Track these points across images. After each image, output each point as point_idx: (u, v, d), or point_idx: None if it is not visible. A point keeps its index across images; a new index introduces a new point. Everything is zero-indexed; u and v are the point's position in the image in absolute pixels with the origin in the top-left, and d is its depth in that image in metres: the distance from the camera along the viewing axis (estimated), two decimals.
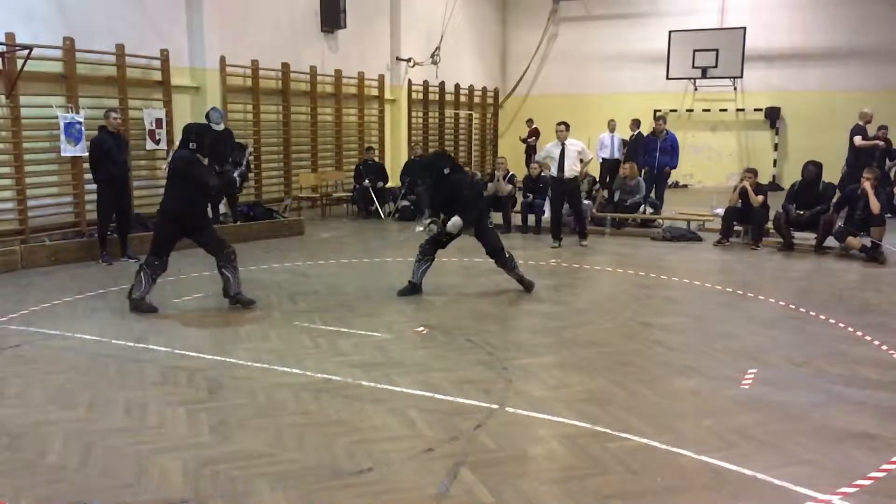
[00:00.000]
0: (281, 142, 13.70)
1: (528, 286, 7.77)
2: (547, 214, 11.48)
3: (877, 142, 13.53)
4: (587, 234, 10.97)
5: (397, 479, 3.70)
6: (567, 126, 10.66)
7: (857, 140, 13.59)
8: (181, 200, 6.89)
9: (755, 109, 19.09)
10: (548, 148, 10.79)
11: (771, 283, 8.53)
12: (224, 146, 11.02)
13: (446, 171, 7.62)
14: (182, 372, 5.27)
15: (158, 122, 11.08)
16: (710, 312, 7.10)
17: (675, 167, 13.48)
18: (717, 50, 18.25)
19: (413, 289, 7.67)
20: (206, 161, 6.99)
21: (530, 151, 19.02)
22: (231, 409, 4.59)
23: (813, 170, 10.27)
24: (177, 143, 11.44)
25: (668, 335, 6.26)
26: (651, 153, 13.08)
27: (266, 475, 3.72)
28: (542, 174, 12.51)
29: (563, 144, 10.52)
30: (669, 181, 19.18)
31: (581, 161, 10.71)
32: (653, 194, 12.93)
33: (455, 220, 7.49)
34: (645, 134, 14.04)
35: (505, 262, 7.74)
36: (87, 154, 9.85)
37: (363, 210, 13.95)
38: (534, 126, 19.55)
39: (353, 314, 6.89)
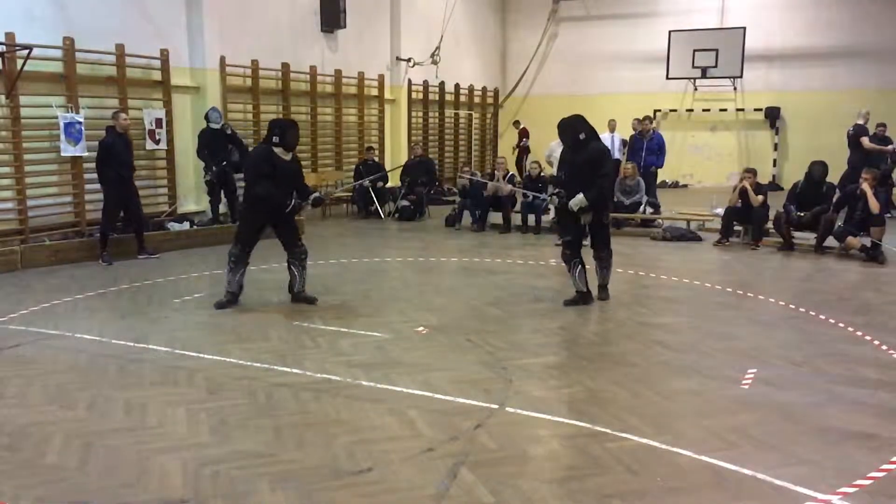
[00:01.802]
0: None
1: (603, 295, 7.42)
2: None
3: (887, 148, 13.60)
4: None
5: (397, 479, 3.70)
6: None
7: (866, 142, 13.63)
8: (271, 189, 6.87)
9: (755, 109, 19.09)
10: (552, 146, 10.78)
11: (771, 283, 8.53)
12: (223, 144, 11.05)
13: (581, 136, 6.97)
14: (182, 372, 5.27)
15: (158, 122, 11.07)
16: (710, 312, 7.10)
17: (661, 166, 13.68)
18: (716, 50, 18.24)
19: (583, 298, 7.26)
20: (288, 156, 6.94)
21: (523, 153, 19.02)
22: (231, 409, 4.59)
23: (821, 170, 10.22)
24: (178, 140, 11.54)
25: (668, 335, 6.25)
26: (637, 153, 13.22)
27: (266, 475, 3.72)
28: (542, 174, 12.53)
29: None
30: (668, 181, 19.33)
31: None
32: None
33: (578, 198, 6.95)
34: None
35: (605, 261, 7.35)
36: (86, 154, 9.90)
37: (363, 210, 13.95)
38: (521, 127, 19.53)
39: (353, 314, 6.89)
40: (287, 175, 6.93)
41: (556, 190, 7.37)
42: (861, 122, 13.90)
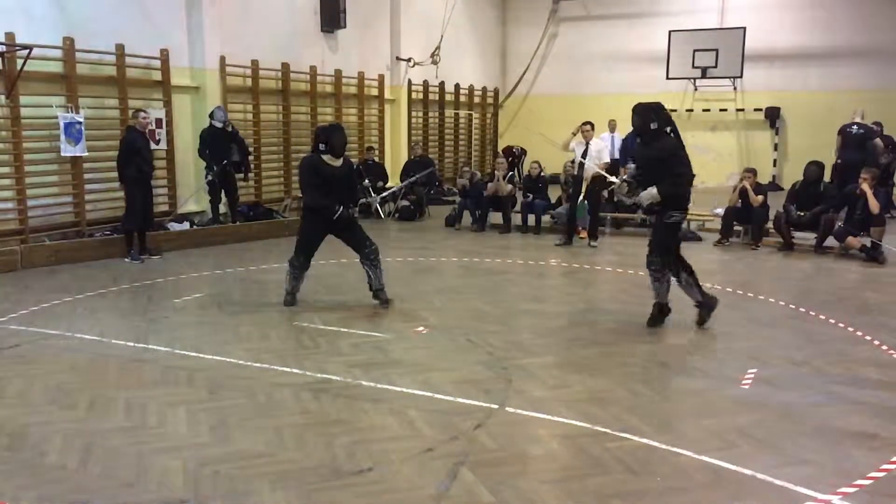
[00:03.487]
0: (281, 142, 13.69)
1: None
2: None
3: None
4: (597, 236, 10.96)
5: (397, 479, 3.70)
6: (592, 126, 10.63)
7: (881, 144, 13.60)
8: (318, 199, 6.90)
9: (755, 109, 19.07)
10: (572, 146, 10.71)
11: (771, 283, 8.52)
12: (225, 143, 11.04)
13: (653, 126, 6.22)
14: (182, 372, 5.27)
15: (158, 122, 11.06)
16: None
17: None
18: (717, 50, 18.23)
19: (705, 306, 6.45)
20: (338, 161, 6.92)
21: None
22: (231, 409, 4.59)
23: (815, 170, 10.28)
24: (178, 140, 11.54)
25: (667, 335, 6.25)
26: (632, 153, 13.20)
27: (266, 475, 3.72)
28: (542, 173, 12.55)
29: (587, 144, 10.48)
30: None
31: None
32: None
33: (650, 191, 6.20)
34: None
35: (657, 267, 6.32)
36: (86, 154, 9.92)
37: (363, 210, 13.94)
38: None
39: (353, 314, 6.89)
40: (338, 181, 6.90)
41: (626, 177, 6.62)
42: (859, 119, 13.91)
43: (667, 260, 6.32)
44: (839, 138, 13.65)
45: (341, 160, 6.97)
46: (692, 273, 6.40)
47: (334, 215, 6.85)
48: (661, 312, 6.49)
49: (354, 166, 7.10)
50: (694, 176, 6.48)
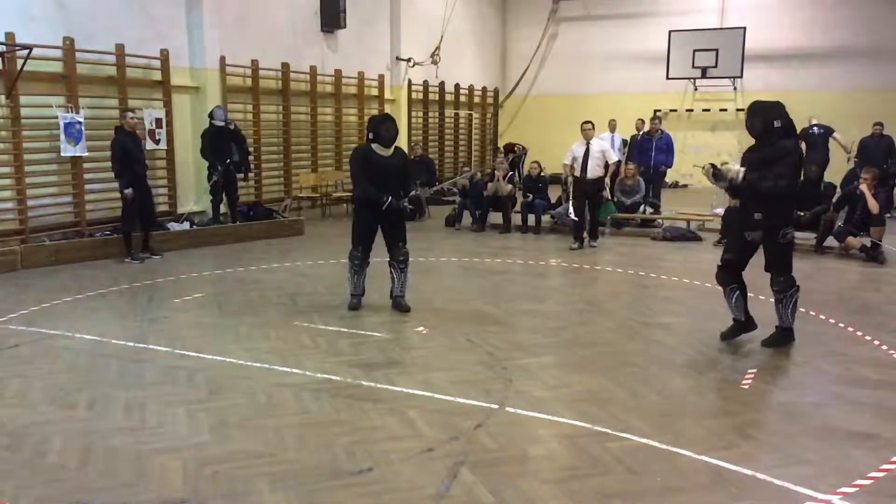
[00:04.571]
0: (281, 142, 13.70)
1: (778, 338, 5.81)
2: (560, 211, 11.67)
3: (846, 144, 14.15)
4: (598, 236, 10.95)
5: (397, 479, 3.70)
6: (593, 125, 10.46)
7: (840, 137, 14.05)
8: (366, 189, 6.80)
9: None
10: (573, 148, 10.46)
11: None
12: (227, 143, 11.04)
13: (776, 124, 5.62)
14: (182, 372, 5.27)
15: (158, 122, 11.07)
16: (710, 312, 7.08)
17: (670, 166, 13.64)
18: (716, 50, 18.26)
19: (741, 327, 5.94)
20: (389, 151, 6.83)
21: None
22: (231, 409, 4.59)
23: (815, 170, 10.29)
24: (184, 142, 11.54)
25: (668, 335, 6.25)
26: (646, 153, 13.17)
27: (266, 475, 3.72)
28: (542, 174, 12.55)
29: (587, 144, 10.30)
30: (669, 181, 19.33)
31: (606, 163, 10.47)
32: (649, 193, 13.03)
33: (735, 167, 5.75)
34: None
35: (781, 292, 5.69)
36: (87, 154, 9.92)
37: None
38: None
39: (354, 314, 6.89)
40: (387, 171, 6.81)
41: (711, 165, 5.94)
42: (815, 121, 14.20)
43: (792, 279, 5.70)
44: (801, 142, 14.03)
45: (392, 150, 6.90)
46: (744, 296, 5.90)
47: (383, 205, 6.76)
48: (786, 337, 5.84)
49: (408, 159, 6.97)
50: (797, 183, 5.75)
